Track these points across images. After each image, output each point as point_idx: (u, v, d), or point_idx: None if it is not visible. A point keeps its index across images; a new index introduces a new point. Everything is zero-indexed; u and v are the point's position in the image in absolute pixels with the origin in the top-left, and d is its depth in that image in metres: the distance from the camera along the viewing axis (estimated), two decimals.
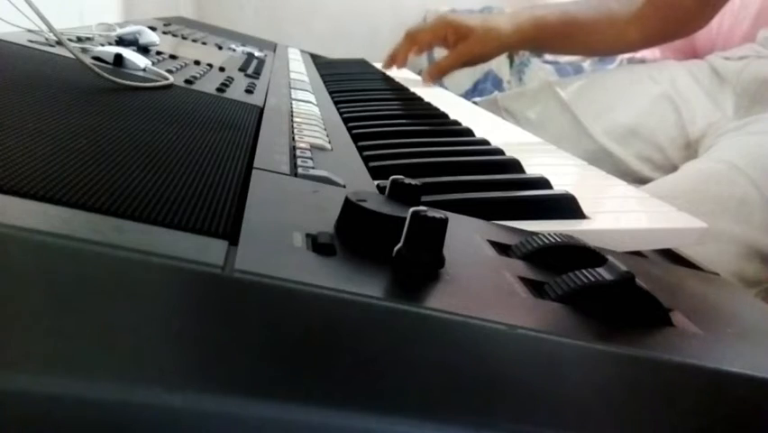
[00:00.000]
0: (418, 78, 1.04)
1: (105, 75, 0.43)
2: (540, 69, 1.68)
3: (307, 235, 0.23)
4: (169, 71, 0.54)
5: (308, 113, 0.52)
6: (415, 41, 1.01)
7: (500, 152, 0.48)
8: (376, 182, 0.36)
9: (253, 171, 0.30)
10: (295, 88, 0.65)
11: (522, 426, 0.15)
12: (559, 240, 0.27)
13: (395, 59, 1.02)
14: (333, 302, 0.18)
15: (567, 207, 0.36)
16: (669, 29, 0.90)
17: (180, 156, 0.30)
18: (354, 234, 0.23)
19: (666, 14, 0.89)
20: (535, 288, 0.24)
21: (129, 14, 1.41)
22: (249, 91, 0.56)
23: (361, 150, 0.43)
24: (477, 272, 0.24)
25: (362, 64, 1.09)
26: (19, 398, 0.12)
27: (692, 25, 0.91)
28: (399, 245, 0.22)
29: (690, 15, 0.89)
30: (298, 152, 0.37)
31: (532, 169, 0.44)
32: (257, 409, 0.13)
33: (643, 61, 1.14)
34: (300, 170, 0.33)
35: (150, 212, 0.22)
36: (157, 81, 0.48)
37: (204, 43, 0.91)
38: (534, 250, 0.27)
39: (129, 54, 0.54)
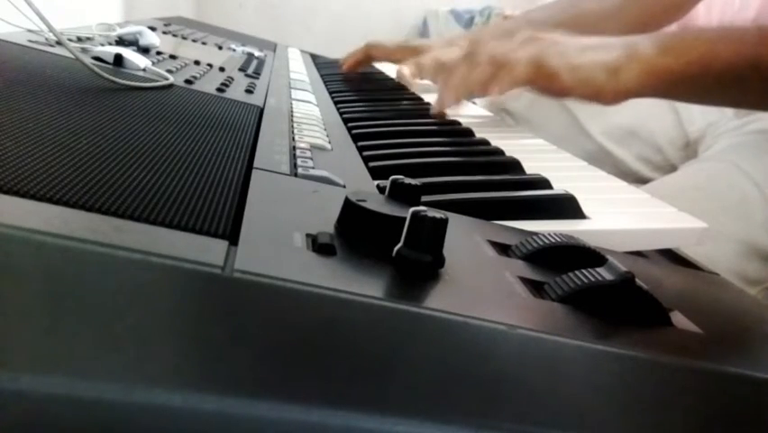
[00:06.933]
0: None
1: (105, 75, 0.43)
2: None
3: (307, 235, 0.23)
4: (169, 71, 0.54)
5: (308, 113, 0.52)
6: None
7: (500, 152, 0.48)
8: (376, 182, 0.36)
9: (253, 171, 0.30)
10: (295, 88, 0.65)
11: (522, 426, 0.15)
12: (559, 240, 0.27)
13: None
14: (333, 302, 0.18)
15: (567, 207, 0.36)
16: (648, 21, 0.88)
17: (180, 156, 0.30)
18: (354, 235, 0.23)
19: (646, 6, 0.88)
20: (535, 288, 0.24)
21: (129, 14, 1.41)
22: (249, 91, 0.56)
23: (360, 150, 0.43)
24: (477, 273, 0.24)
25: None
26: (19, 398, 0.12)
27: (670, 15, 0.89)
28: (399, 245, 0.22)
29: (667, 5, 0.88)
30: (298, 152, 0.37)
31: (532, 169, 0.44)
32: (257, 409, 0.13)
33: None
34: (300, 170, 0.33)
35: (150, 212, 0.22)
36: (157, 81, 0.48)
37: (204, 43, 0.91)
38: (535, 250, 0.27)
39: (129, 54, 0.54)
